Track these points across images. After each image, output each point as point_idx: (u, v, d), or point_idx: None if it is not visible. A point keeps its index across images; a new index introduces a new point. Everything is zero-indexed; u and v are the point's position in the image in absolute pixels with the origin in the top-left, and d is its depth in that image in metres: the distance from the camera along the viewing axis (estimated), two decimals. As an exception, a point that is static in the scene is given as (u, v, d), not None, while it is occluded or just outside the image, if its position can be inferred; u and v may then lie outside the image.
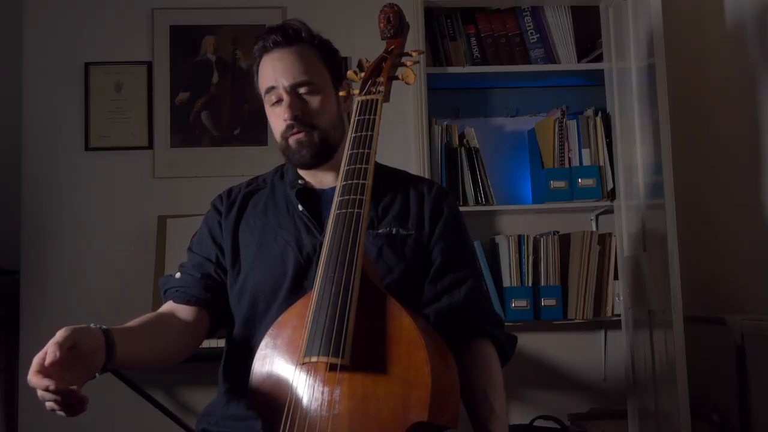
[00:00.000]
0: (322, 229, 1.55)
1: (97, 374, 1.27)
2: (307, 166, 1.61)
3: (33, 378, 1.15)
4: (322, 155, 1.58)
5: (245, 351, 1.48)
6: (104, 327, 1.30)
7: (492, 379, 1.44)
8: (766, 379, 2.16)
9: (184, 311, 1.57)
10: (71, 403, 1.14)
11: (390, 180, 1.63)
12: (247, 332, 1.55)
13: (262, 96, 1.61)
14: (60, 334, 1.19)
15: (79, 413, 1.15)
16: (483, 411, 1.39)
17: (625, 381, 2.82)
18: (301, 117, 1.55)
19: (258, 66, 1.61)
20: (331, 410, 1.20)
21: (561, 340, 2.92)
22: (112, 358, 1.28)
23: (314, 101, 1.57)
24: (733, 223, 2.51)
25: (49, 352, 1.17)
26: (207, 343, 1.65)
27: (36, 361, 1.17)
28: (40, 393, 1.15)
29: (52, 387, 1.12)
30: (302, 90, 1.56)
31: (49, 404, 1.16)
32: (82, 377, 1.22)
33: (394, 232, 1.55)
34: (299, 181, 1.64)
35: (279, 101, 1.57)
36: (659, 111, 2.39)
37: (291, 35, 1.57)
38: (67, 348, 1.18)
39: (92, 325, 1.28)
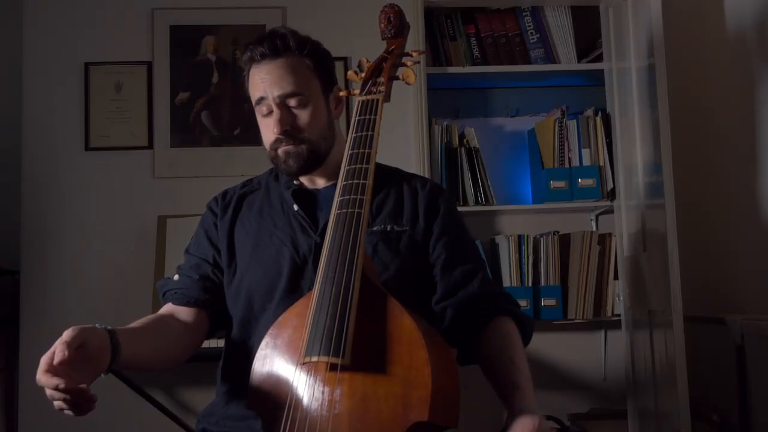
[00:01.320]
0: (317, 228, 1.56)
1: (102, 374, 1.27)
2: (293, 176, 1.62)
3: (42, 377, 1.15)
4: (310, 166, 1.59)
5: (243, 351, 1.49)
6: (109, 327, 1.30)
7: (515, 347, 1.43)
8: (766, 379, 2.16)
9: (184, 313, 1.57)
10: (80, 402, 1.14)
11: (384, 177, 1.62)
12: (244, 333, 1.55)
13: (253, 103, 1.61)
14: (67, 334, 1.19)
15: (87, 412, 1.15)
16: (511, 375, 1.36)
17: (625, 381, 2.82)
18: (290, 131, 1.55)
19: (248, 74, 1.60)
20: (332, 410, 1.21)
21: (561, 340, 2.92)
22: (117, 358, 1.28)
23: (304, 114, 1.56)
24: (733, 223, 2.51)
25: (57, 351, 1.16)
26: (207, 343, 1.65)
27: (44, 360, 1.16)
28: (49, 392, 1.15)
29: (61, 386, 1.12)
30: (292, 102, 1.56)
31: (57, 403, 1.15)
32: (89, 377, 1.22)
33: (388, 229, 1.56)
34: (294, 182, 1.64)
35: (269, 112, 1.57)
36: (659, 111, 2.39)
37: (279, 46, 1.55)
38: (75, 347, 1.18)
39: (97, 326, 1.28)
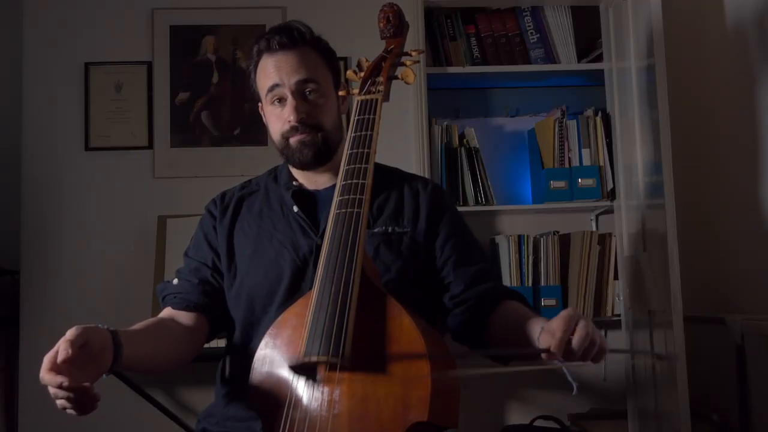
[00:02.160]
0: (317, 230, 1.56)
1: (104, 375, 1.27)
2: (308, 167, 1.61)
3: (46, 375, 1.14)
4: (323, 156, 1.59)
5: (244, 354, 1.48)
6: (111, 328, 1.29)
7: (526, 310, 1.45)
8: (766, 379, 2.16)
9: (184, 317, 1.57)
10: (83, 400, 1.13)
11: (384, 178, 1.62)
12: (246, 336, 1.55)
13: (262, 95, 1.60)
14: (71, 333, 1.18)
15: (90, 411, 1.14)
16: (533, 322, 1.35)
17: (625, 381, 2.82)
18: (306, 119, 1.55)
19: (257, 64, 1.60)
20: (331, 410, 1.20)
21: (561, 340, 2.91)
22: (119, 358, 1.27)
23: (319, 103, 1.57)
24: (733, 223, 2.51)
25: (61, 349, 1.16)
26: (207, 344, 1.65)
27: (48, 358, 1.16)
28: (52, 391, 1.14)
29: (65, 384, 1.11)
30: (308, 90, 1.56)
31: (60, 402, 1.15)
32: (92, 377, 1.21)
33: (389, 230, 1.56)
34: (294, 183, 1.64)
35: (282, 100, 1.57)
36: (659, 111, 2.39)
37: (297, 37, 1.57)
38: (79, 346, 1.18)
39: (99, 326, 1.27)
